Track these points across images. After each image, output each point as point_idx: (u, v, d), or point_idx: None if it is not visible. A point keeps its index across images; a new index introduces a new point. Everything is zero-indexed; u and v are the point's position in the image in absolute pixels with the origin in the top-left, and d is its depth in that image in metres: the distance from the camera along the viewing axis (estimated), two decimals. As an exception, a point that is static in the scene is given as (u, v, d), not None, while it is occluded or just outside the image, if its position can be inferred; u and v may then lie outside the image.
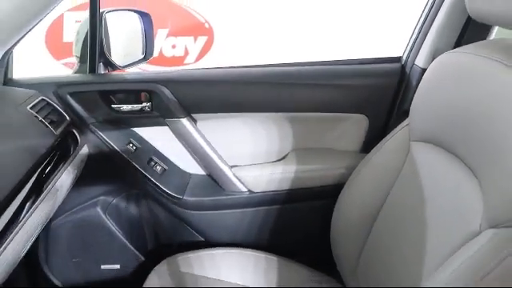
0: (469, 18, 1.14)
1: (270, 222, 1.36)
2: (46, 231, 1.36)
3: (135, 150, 1.32)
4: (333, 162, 1.34)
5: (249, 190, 1.34)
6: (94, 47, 1.25)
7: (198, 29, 3.29)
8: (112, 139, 1.30)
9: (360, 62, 1.36)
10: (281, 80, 1.31)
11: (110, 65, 1.30)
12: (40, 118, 1.09)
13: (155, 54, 1.38)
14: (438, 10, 1.21)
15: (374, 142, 1.14)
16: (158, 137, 1.35)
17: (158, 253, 1.29)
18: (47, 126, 1.10)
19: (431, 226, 0.86)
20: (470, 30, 1.18)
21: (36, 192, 1.01)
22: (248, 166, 1.36)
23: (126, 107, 1.27)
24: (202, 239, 1.38)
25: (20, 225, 0.91)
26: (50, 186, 1.06)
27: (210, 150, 1.33)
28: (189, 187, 1.35)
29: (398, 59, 1.34)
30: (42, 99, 1.16)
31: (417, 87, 1.00)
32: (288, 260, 1.24)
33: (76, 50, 1.35)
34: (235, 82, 1.31)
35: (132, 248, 1.42)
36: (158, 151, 1.36)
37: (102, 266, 1.43)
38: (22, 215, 0.94)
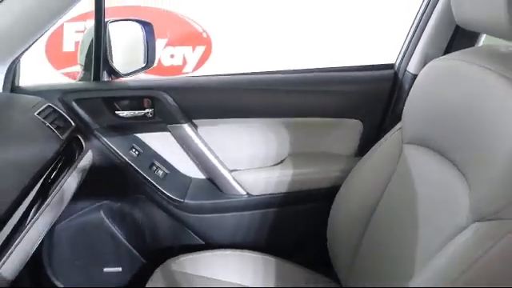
0: (457, 26, 1.17)
1: (268, 224, 1.39)
2: (50, 234, 1.37)
3: (138, 154, 1.35)
4: (328, 165, 1.37)
5: (247, 193, 1.37)
6: (99, 56, 1.28)
7: (196, 38, 3.28)
8: (115, 144, 1.33)
9: (354, 69, 1.41)
10: (279, 86, 1.35)
11: (113, 73, 1.33)
12: (47, 124, 1.12)
13: (153, 66, 1.42)
14: (429, 18, 1.26)
15: (368, 146, 1.18)
16: (160, 142, 1.38)
17: (160, 255, 1.31)
18: (54, 131, 1.12)
19: (423, 222, 0.90)
20: (459, 38, 1.23)
21: (42, 196, 1.03)
22: (247, 170, 1.39)
23: (129, 113, 1.30)
24: (203, 242, 1.41)
25: (27, 228, 0.92)
26: (55, 190, 1.07)
27: (210, 155, 1.36)
28: (189, 191, 1.38)
29: (391, 66, 1.39)
30: (49, 106, 1.19)
31: (409, 92, 1.04)
32: (286, 261, 1.26)
33: (80, 58, 1.37)
34: (234, 88, 1.35)
35: (134, 251, 1.44)
36: (159, 156, 1.39)
37: (105, 269, 1.44)
38: (29, 218, 0.96)
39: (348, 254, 1.12)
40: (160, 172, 1.37)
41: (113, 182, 1.39)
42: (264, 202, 1.38)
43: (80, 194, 1.23)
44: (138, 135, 1.37)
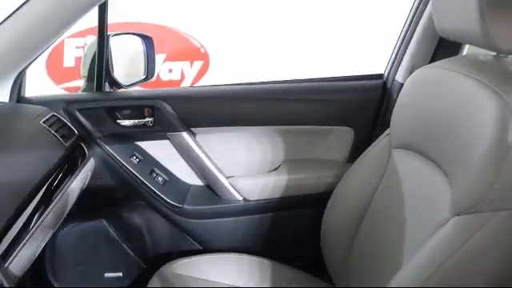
0: (442, 37, 1.24)
1: (264, 228, 1.42)
2: (52, 240, 1.39)
3: (138, 162, 1.38)
4: (322, 171, 1.41)
5: (244, 199, 1.41)
6: (101, 67, 1.32)
7: (194, 54, 3.32)
8: (117, 152, 1.36)
9: (346, 79, 1.46)
10: (273, 96, 1.40)
11: (114, 84, 1.36)
12: (52, 132, 1.16)
13: (152, 79, 1.45)
14: (414, 30, 1.32)
15: (359, 152, 1.22)
16: (160, 150, 1.41)
17: (159, 260, 1.32)
18: (58, 139, 1.16)
19: (409, 220, 0.95)
20: (443, 48, 1.29)
21: (45, 201, 1.06)
22: (243, 176, 1.43)
23: (129, 122, 1.34)
24: (201, 247, 1.44)
25: (33, 230, 0.96)
26: (59, 196, 1.10)
27: (208, 162, 1.40)
28: (188, 197, 1.41)
29: (380, 76, 1.44)
30: (53, 115, 1.23)
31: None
32: (281, 264, 1.29)
33: (83, 70, 1.43)
34: (231, 98, 1.40)
35: (134, 256, 1.46)
36: (159, 163, 1.43)
37: (106, 274, 1.46)
38: (33, 223, 0.99)
39: (341, 255, 1.16)
40: (160, 179, 1.40)
41: (114, 188, 1.42)
42: (260, 206, 1.41)
43: (82, 199, 1.26)
44: (139, 143, 1.41)
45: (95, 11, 1.24)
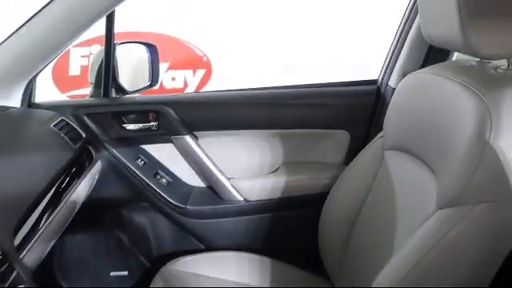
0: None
1: (263, 227, 1.46)
2: (60, 240, 1.40)
3: (143, 164, 1.43)
4: (319, 173, 1.46)
5: (245, 199, 1.46)
6: (108, 74, 1.38)
7: (196, 62, 3.35)
8: (123, 155, 1.41)
9: (342, 85, 1.51)
10: (272, 101, 1.45)
11: (120, 90, 1.42)
12: (62, 135, 1.22)
13: (156, 86, 1.50)
14: (406, 38, 1.38)
15: (354, 155, 1.26)
16: (164, 152, 1.46)
17: (163, 259, 1.36)
18: (68, 142, 1.22)
19: (400, 216, 1.00)
20: (433, 54, 1.34)
21: (55, 202, 1.11)
22: (244, 178, 1.48)
23: (135, 126, 1.39)
24: (203, 246, 1.48)
25: (40, 231, 1.00)
26: (67, 197, 1.15)
27: (210, 164, 1.44)
28: (191, 198, 1.46)
29: (374, 81, 1.50)
30: (62, 119, 1.29)
31: None
32: (280, 261, 1.33)
33: (91, 77, 1.48)
34: (232, 103, 1.45)
35: (139, 255, 1.50)
36: (163, 165, 1.47)
37: (112, 273, 1.51)
38: (42, 222, 1.03)
39: (337, 253, 1.19)
40: (164, 180, 1.45)
41: (120, 190, 1.46)
42: (260, 207, 1.45)
43: (89, 200, 1.32)
44: (144, 146, 1.45)
45: (102, 21, 1.28)
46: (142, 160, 1.44)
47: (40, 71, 1.27)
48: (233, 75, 3.17)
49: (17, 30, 1.18)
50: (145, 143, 1.46)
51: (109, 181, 1.42)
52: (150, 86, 1.48)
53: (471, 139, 0.80)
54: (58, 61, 3.10)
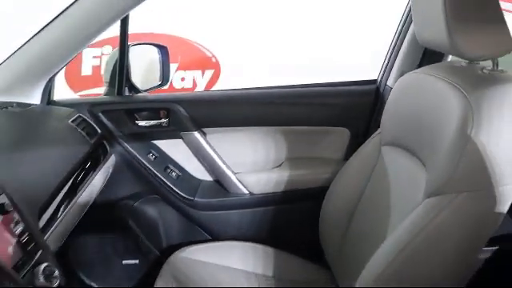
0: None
1: (267, 219, 1.52)
2: (76, 229, 1.44)
3: (154, 158, 1.49)
4: (320, 168, 1.52)
5: (250, 193, 1.52)
6: (122, 74, 1.43)
7: (205, 63, 3.38)
8: (135, 150, 1.47)
9: (343, 84, 1.58)
10: (276, 99, 1.51)
11: (133, 88, 1.47)
12: (79, 130, 1.28)
13: (166, 86, 1.55)
14: (403, 41, 1.44)
15: (354, 151, 1.31)
16: (174, 148, 1.52)
17: (172, 248, 1.41)
18: (84, 136, 1.28)
19: (394, 205, 1.07)
20: (429, 55, 1.40)
21: (72, 193, 1.18)
22: (249, 172, 1.54)
23: (147, 123, 1.45)
24: (210, 236, 1.54)
25: (59, 220, 1.07)
26: (83, 188, 1.22)
27: (217, 159, 1.50)
28: (199, 190, 1.52)
29: (373, 81, 1.56)
30: (79, 116, 1.35)
31: None
32: (282, 251, 1.39)
33: (105, 76, 1.54)
34: (238, 101, 1.51)
35: (150, 245, 1.55)
36: (173, 160, 1.53)
37: (124, 261, 1.57)
38: (61, 211, 1.10)
39: (337, 242, 1.26)
40: (173, 174, 1.51)
41: (132, 183, 1.52)
42: (264, 199, 1.51)
43: (103, 193, 1.39)
44: (155, 142, 1.51)
45: (116, 24, 1.32)
46: (153, 154, 1.50)
47: (58, 71, 1.33)
48: (241, 75, 3.19)
49: (37, 34, 1.24)
50: (156, 139, 1.51)
51: (122, 174, 1.47)
52: (161, 85, 1.53)
53: (455, 134, 0.87)
54: (71, 61, 3.19)
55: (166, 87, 1.56)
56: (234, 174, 1.53)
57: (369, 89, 1.54)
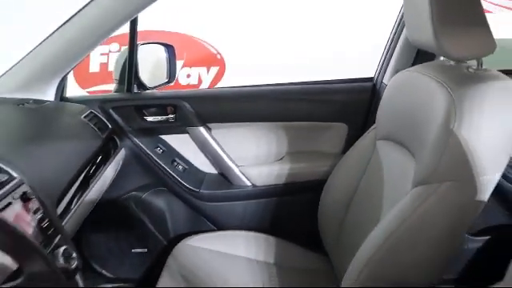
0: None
1: (269, 210, 1.58)
2: (88, 219, 1.48)
3: (162, 152, 1.55)
4: (319, 161, 1.57)
5: (253, 185, 1.58)
6: (131, 72, 1.47)
7: (210, 60, 3.43)
8: (144, 144, 1.53)
9: (341, 82, 1.63)
10: (278, 96, 1.57)
11: (142, 85, 1.52)
12: (91, 125, 1.34)
13: (172, 83, 1.59)
14: (398, 40, 1.49)
15: (351, 145, 1.36)
16: (180, 142, 1.58)
17: (179, 238, 1.46)
18: (96, 131, 1.34)
19: (387, 196, 1.13)
20: (422, 54, 1.46)
21: (85, 184, 1.23)
22: (252, 165, 1.60)
23: (155, 118, 1.51)
24: (215, 227, 1.60)
25: (74, 209, 1.13)
26: (95, 180, 1.28)
27: (221, 153, 1.56)
28: (204, 182, 1.58)
29: (370, 79, 1.62)
30: (91, 111, 1.40)
31: None
32: (283, 240, 1.45)
33: (115, 74, 1.60)
34: (242, 98, 1.57)
35: (157, 234, 1.61)
36: (179, 154, 1.59)
37: (133, 250, 1.63)
38: (75, 201, 1.16)
39: (334, 231, 1.31)
40: (180, 167, 1.57)
41: (141, 175, 1.58)
42: (266, 191, 1.57)
43: (114, 185, 1.44)
44: (163, 136, 1.57)
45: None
46: (160, 148, 1.56)
47: (71, 69, 1.38)
48: (246, 72, 3.05)
49: (51, 34, 1.29)
50: (163, 133, 1.57)
51: (131, 167, 1.53)
52: (168, 82, 1.59)
53: (440, 128, 0.93)
54: (81, 59, 3.23)
55: (172, 84, 1.60)
56: (238, 167, 1.58)
57: (366, 86, 1.59)
